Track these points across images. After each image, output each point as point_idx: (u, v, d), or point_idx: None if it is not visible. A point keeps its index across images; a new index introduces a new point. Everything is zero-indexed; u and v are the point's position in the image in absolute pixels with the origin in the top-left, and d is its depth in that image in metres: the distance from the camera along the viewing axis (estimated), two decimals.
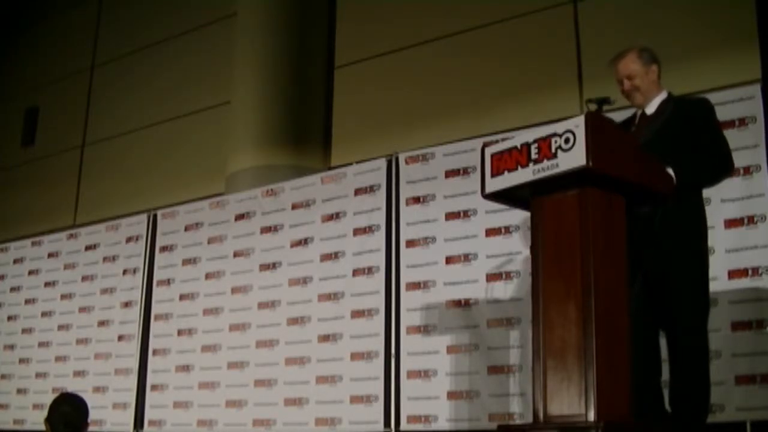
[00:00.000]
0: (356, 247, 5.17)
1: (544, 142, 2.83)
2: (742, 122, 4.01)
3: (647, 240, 3.14)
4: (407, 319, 4.86)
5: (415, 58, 6.57)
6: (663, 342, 3.33)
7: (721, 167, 3.31)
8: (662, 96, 3.42)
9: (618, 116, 3.60)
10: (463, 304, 4.69)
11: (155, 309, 6.14)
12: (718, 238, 3.95)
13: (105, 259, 6.58)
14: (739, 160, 3.94)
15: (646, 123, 3.39)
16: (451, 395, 4.63)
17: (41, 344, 6.79)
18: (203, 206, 6.14)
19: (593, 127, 2.74)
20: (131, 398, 6.05)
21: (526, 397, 4.25)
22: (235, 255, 5.78)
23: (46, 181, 9.12)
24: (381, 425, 4.81)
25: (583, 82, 5.61)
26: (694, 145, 3.24)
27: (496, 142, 3.29)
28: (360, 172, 5.32)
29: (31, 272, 7.12)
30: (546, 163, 2.82)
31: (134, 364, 6.13)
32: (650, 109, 3.41)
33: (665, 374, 3.31)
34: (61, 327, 6.70)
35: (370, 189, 5.21)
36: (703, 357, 3.21)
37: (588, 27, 5.72)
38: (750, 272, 3.90)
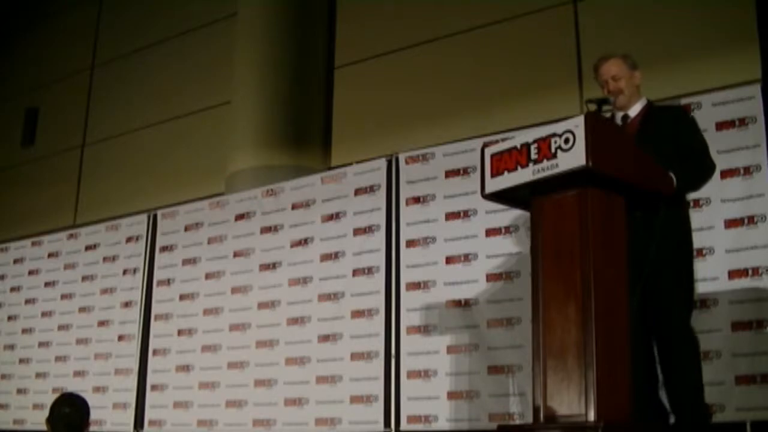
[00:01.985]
0: (356, 247, 5.16)
1: (543, 142, 2.84)
2: (742, 122, 4.01)
3: (648, 244, 3.13)
4: (407, 319, 4.86)
5: (415, 58, 6.56)
6: None
7: (706, 174, 3.40)
8: (642, 102, 3.52)
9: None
10: (463, 304, 4.69)
11: (155, 309, 6.14)
12: (718, 238, 3.95)
13: (105, 259, 6.58)
14: (739, 160, 3.97)
15: (629, 127, 3.43)
16: (451, 395, 4.63)
17: (41, 344, 6.79)
18: (203, 206, 6.13)
19: (593, 127, 2.74)
20: (131, 398, 6.05)
21: (526, 397, 4.24)
22: (235, 255, 5.78)
23: (46, 181, 9.12)
24: (381, 425, 4.81)
25: (583, 82, 5.61)
26: (680, 151, 3.30)
27: (496, 142, 3.30)
28: (360, 172, 5.32)
29: (31, 272, 7.11)
30: (546, 163, 2.82)
31: (134, 364, 6.13)
32: (632, 112, 3.50)
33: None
34: (61, 327, 6.69)
35: (370, 189, 5.20)
36: (696, 356, 3.23)
37: (588, 27, 5.72)
38: (750, 272, 3.89)
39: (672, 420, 3.25)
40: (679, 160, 3.24)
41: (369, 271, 5.07)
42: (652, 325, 3.26)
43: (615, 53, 3.55)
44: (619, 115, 3.52)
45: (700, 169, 3.35)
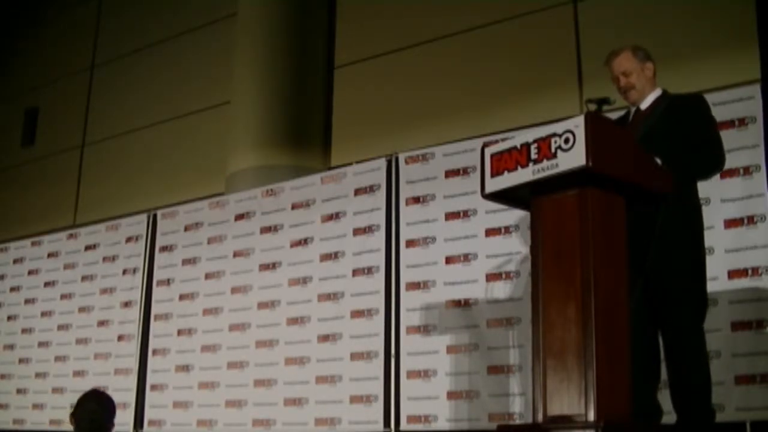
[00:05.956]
0: (356, 247, 5.17)
1: (543, 142, 2.83)
2: (742, 122, 4.01)
3: (649, 241, 3.12)
4: (407, 319, 4.86)
5: (415, 58, 6.57)
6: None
7: (713, 163, 3.35)
8: (656, 93, 3.46)
9: (616, 116, 3.61)
10: (463, 304, 4.69)
11: (155, 309, 6.14)
12: (718, 238, 3.95)
13: (105, 259, 6.58)
14: (739, 160, 3.96)
15: (640, 119, 3.42)
16: (451, 395, 4.63)
17: (41, 344, 6.79)
18: (203, 206, 6.13)
19: (593, 127, 2.74)
20: (131, 398, 6.05)
21: (526, 397, 4.25)
22: (235, 255, 5.78)
23: (46, 181, 9.13)
24: (381, 425, 4.81)
25: (583, 82, 5.61)
26: (688, 140, 3.26)
27: (496, 142, 3.29)
28: (360, 172, 5.32)
29: (31, 272, 7.12)
30: (546, 163, 2.81)
31: (134, 364, 6.13)
32: (644, 105, 3.45)
33: (664, 375, 3.31)
34: (61, 327, 6.70)
35: (370, 189, 5.20)
36: (703, 356, 3.21)
37: (588, 27, 5.73)
38: (750, 272, 3.90)
39: (669, 420, 3.25)
40: (688, 150, 3.21)
41: (369, 271, 5.07)
42: (658, 324, 3.25)
43: (625, 46, 3.48)
44: (633, 109, 3.48)
45: (703, 158, 3.30)
